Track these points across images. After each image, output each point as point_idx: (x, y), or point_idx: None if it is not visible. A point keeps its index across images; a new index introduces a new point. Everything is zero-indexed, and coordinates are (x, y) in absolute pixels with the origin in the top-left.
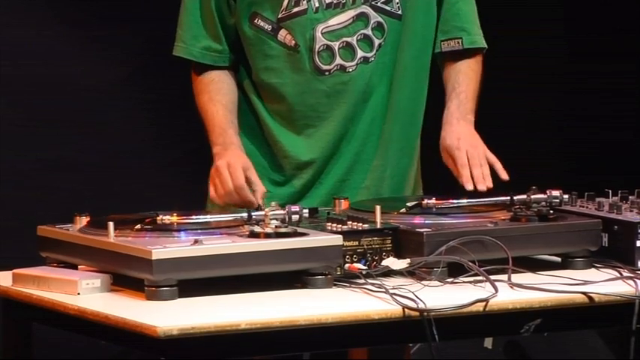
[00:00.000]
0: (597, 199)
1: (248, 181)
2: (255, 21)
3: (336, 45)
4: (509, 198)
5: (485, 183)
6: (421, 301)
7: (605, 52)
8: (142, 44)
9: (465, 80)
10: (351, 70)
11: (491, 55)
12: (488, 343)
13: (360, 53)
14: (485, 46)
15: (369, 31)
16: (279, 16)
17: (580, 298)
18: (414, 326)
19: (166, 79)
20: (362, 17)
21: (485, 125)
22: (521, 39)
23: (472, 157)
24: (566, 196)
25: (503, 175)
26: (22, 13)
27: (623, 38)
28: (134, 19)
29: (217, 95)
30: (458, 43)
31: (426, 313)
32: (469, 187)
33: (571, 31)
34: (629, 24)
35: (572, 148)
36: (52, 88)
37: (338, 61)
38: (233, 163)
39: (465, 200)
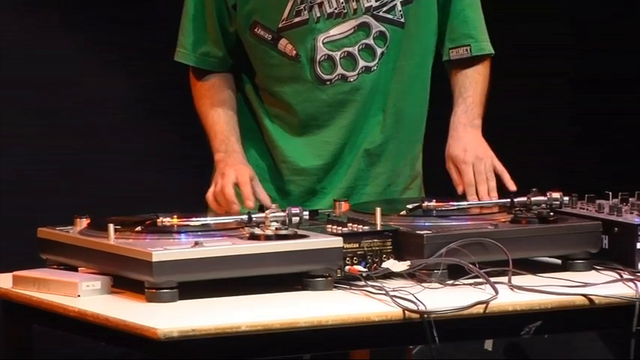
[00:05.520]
0: (597, 201)
1: (252, 190)
2: (255, 30)
3: (337, 55)
4: (509, 200)
5: (490, 200)
6: (421, 303)
7: (607, 54)
8: (143, 46)
9: (472, 85)
10: (352, 79)
11: (493, 56)
12: (488, 345)
13: (361, 63)
14: (493, 51)
15: (370, 41)
16: (280, 25)
17: (580, 300)
18: (415, 328)
19: (167, 81)
20: (363, 27)
21: (486, 126)
22: (523, 40)
23: (479, 172)
24: (566, 198)
25: (511, 186)
26: (24, 15)
27: (626, 40)
28: (135, 22)
29: (218, 100)
30: (466, 50)
31: (426, 315)
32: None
33: (574, 32)
34: (634, 25)
35: (573, 150)
36: (52, 90)
37: (339, 70)
38: (240, 170)
39: (465, 202)
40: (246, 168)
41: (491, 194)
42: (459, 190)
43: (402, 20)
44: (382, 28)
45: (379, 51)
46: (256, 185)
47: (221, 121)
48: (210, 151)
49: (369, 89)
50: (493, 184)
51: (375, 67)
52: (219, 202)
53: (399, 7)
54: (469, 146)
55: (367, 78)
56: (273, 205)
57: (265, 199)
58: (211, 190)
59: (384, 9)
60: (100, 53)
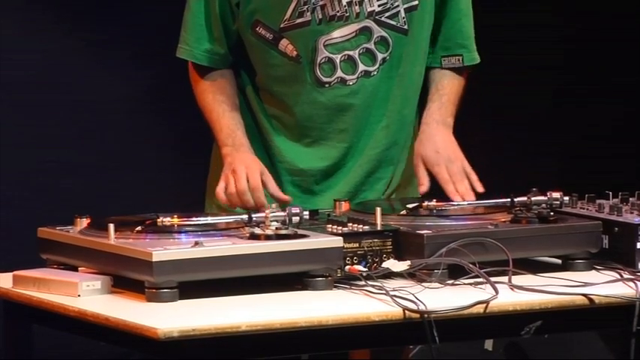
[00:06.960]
0: (598, 201)
1: (264, 184)
2: (257, 29)
3: (337, 57)
4: (509, 200)
5: (471, 197)
6: (422, 302)
7: (607, 53)
8: (142, 46)
9: (449, 84)
10: (351, 83)
11: (492, 55)
12: (488, 344)
13: (361, 67)
14: (479, 60)
15: (371, 45)
16: (282, 25)
17: (580, 300)
18: (415, 328)
19: (166, 80)
20: (365, 31)
21: (486, 126)
22: (523, 40)
23: (453, 173)
24: (566, 198)
25: (479, 188)
26: (23, 16)
27: (626, 39)
28: (133, 21)
29: (221, 95)
30: (458, 60)
31: (426, 315)
32: (457, 199)
33: (576, 31)
34: (632, 25)
35: (573, 150)
36: (52, 89)
37: (339, 73)
38: (251, 165)
39: (465, 202)
40: (255, 162)
41: (468, 193)
42: (421, 190)
43: (406, 27)
44: (384, 34)
45: (380, 56)
46: (267, 180)
47: (226, 115)
48: (209, 149)
49: (369, 94)
50: (467, 184)
51: (376, 72)
52: (230, 199)
53: (403, 14)
54: (440, 147)
55: (367, 82)
56: (273, 205)
57: (276, 191)
58: (222, 185)
59: (387, 14)
60: (99, 53)
